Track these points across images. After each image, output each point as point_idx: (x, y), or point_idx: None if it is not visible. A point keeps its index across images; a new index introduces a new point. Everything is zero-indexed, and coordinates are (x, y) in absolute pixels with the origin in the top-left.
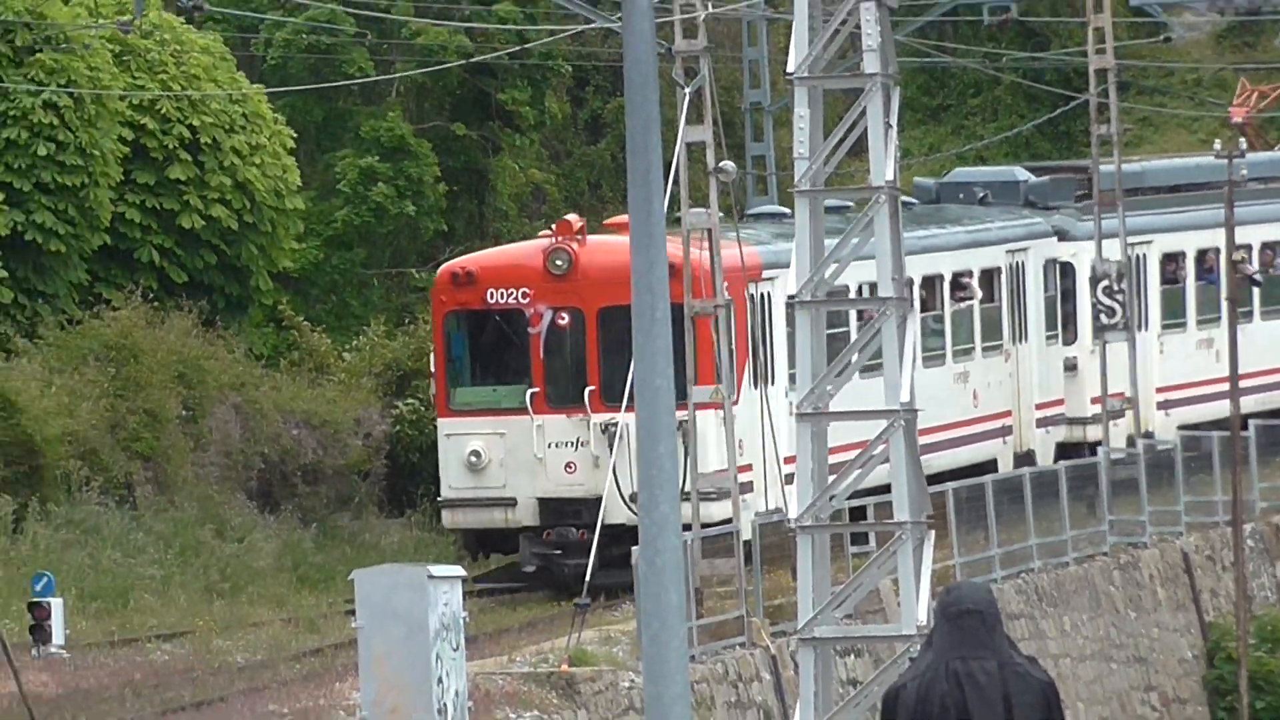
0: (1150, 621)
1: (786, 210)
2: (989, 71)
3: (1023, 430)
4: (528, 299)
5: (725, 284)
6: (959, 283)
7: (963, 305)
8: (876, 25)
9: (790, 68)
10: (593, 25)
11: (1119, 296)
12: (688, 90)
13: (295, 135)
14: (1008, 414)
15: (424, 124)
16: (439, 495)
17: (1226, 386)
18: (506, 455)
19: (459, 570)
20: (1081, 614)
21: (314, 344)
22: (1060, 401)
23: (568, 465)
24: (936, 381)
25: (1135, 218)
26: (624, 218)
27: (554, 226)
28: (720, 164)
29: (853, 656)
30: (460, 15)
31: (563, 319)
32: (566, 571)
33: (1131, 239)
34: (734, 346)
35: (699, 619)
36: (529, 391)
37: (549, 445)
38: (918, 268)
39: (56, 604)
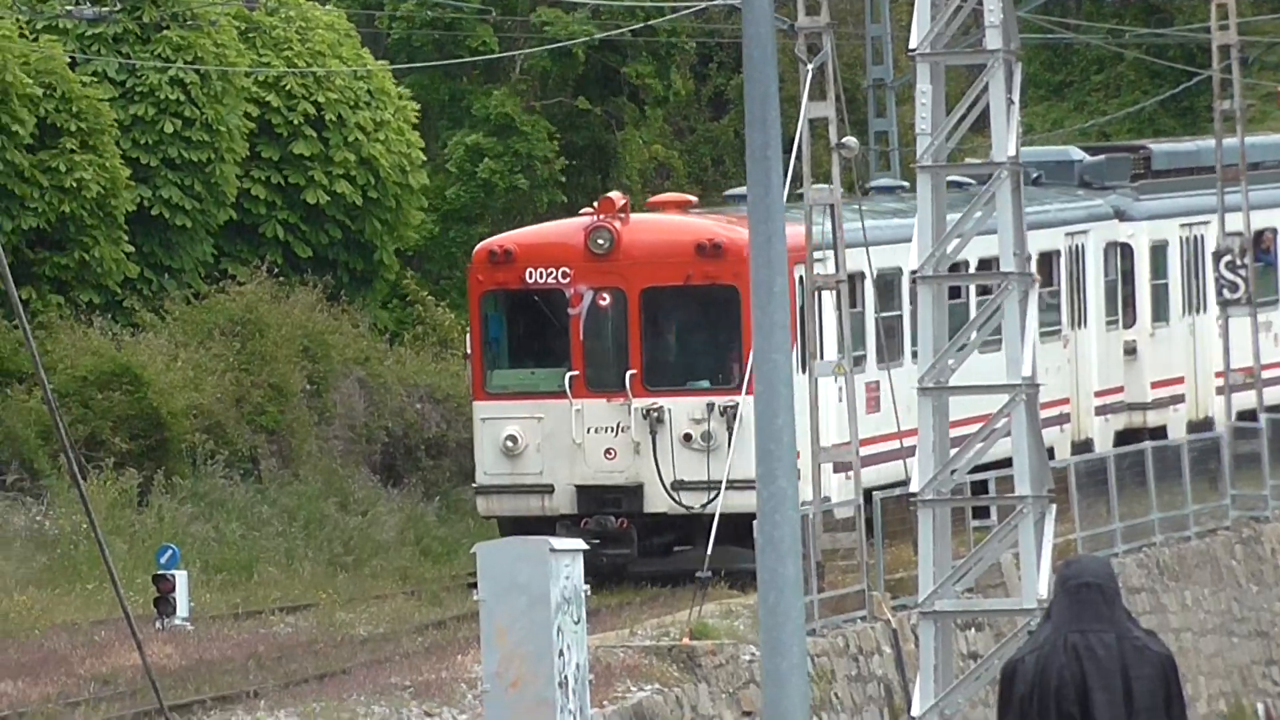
0: (1272, 596)
1: (905, 184)
2: (1112, 48)
3: (1081, 417)
4: (568, 279)
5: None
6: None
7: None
8: (999, 1)
9: (912, 44)
10: (716, 3)
11: (1241, 272)
12: (810, 66)
13: (419, 111)
14: (1065, 401)
15: (548, 99)
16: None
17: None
18: (544, 440)
19: (580, 543)
20: (1203, 588)
21: (438, 318)
22: (1120, 389)
23: (607, 451)
24: (991, 368)
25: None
26: (668, 196)
27: (596, 204)
28: (842, 140)
29: (973, 630)
30: None
31: (604, 300)
32: (604, 562)
33: (1191, 219)
34: (844, 322)
35: (820, 593)
36: (568, 375)
37: (588, 430)
38: (975, 251)
39: (181, 577)
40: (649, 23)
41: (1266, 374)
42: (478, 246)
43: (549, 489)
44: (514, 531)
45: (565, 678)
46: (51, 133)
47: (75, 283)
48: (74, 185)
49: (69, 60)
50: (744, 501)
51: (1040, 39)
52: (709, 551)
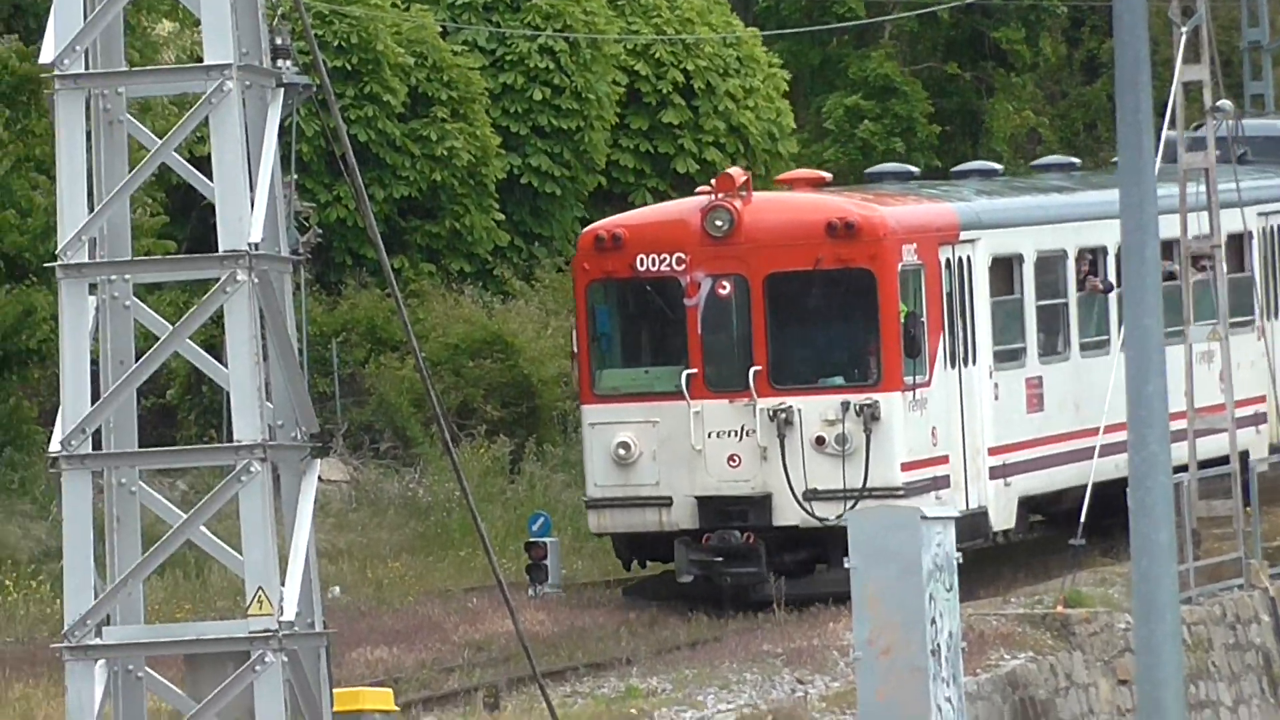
0: None
1: (1075, 160)
2: None
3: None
4: (683, 266)
5: (916, 246)
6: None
7: (1204, 274)
8: None
9: None
10: None
11: None
12: (1184, 29)
13: (790, 79)
14: (1261, 399)
15: (917, 65)
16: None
17: None
18: (660, 447)
19: (952, 510)
20: None
21: None
22: (1258, 400)
23: (731, 458)
24: (1176, 362)
25: None
26: (799, 172)
27: (714, 182)
28: (1217, 103)
29: None
30: None
31: (723, 288)
32: (729, 581)
33: None
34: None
35: (1195, 560)
36: (685, 373)
37: (709, 435)
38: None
39: (553, 544)
40: None
41: None
42: (584, 231)
43: (667, 501)
44: (629, 550)
45: (938, 645)
46: (423, 102)
47: (447, 251)
48: (445, 154)
49: (440, 30)
50: None
51: None
52: (1082, 519)
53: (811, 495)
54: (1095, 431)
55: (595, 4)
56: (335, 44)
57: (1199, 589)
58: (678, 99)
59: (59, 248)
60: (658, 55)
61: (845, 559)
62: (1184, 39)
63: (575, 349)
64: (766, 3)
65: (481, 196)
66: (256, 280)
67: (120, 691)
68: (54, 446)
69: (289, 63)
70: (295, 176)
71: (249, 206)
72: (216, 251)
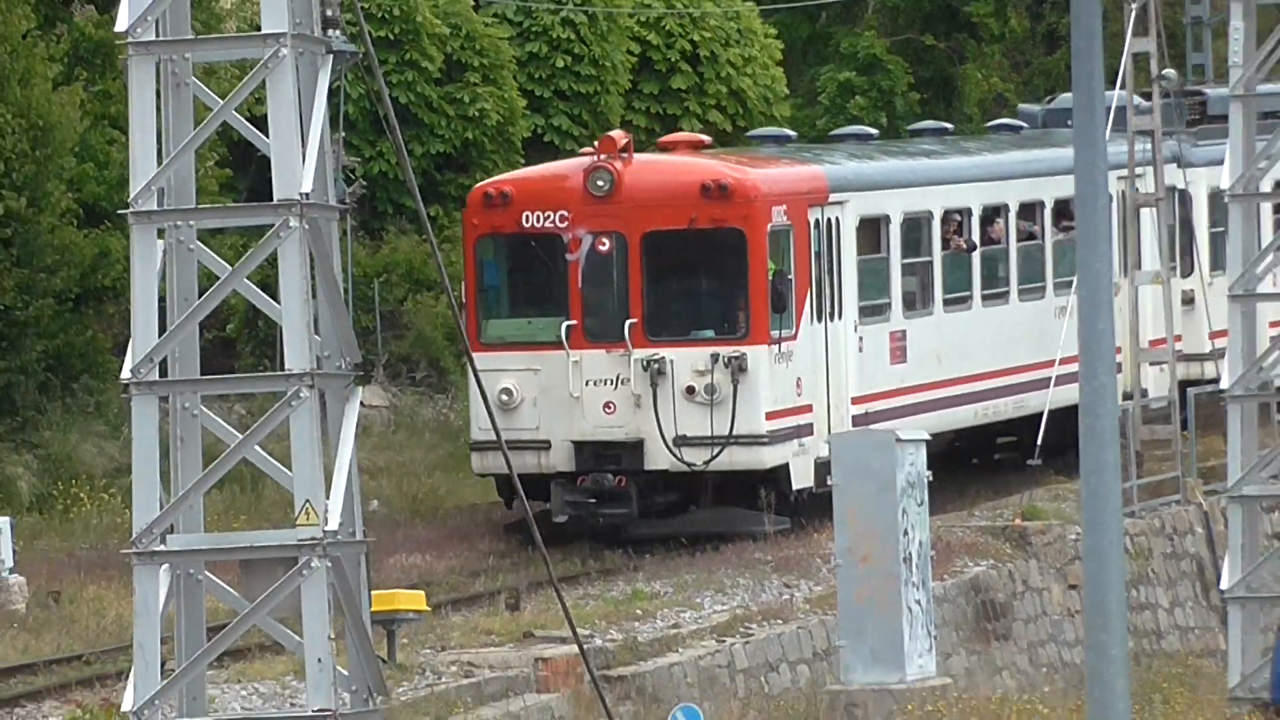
0: None
1: (947, 125)
2: None
3: (1133, 368)
4: (566, 223)
5: (786, 207)
6: (1063, 210)
7: (1066, 235)
8: None
9: None
10: None
11: None
12: (1134, 5)
13: (783, 49)
14: (1116, 350)
15: (897, 36)
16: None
17: None
18: (540, 394)
19: (924, 434)
20: None
21: None
22: (1177, 338)
23: (606, 405)
24: (1032, 317)
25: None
26: (679, 135)
27: (596, 143)
28: (1162, 72)
29: (1276, 513)
30: None
31: (603, 245)
32: (601, 522)
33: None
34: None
35: (1139, 479)
36: (565, 324)
37: (586, 383)
38: (1015, 193)
39: None
40: None
41: None
42: (473, 188)
43: (545, 445)
44: (509, 490)
45: (910, 554)
46: (457, 68)
47: None
48: (476, 114)
49: (473, 3)
50: (749, 459)
51: None
52: (1039, 442)
53: (681, 441)
54: (958, 381)
55: None
56: (379, 15)
57: (1141, 504)
58: (685, 66)
59: (131, 196)
60: (667, 27)
61: (707, 501)
62: (1133, 14)
63: (464, 299)
64: None
65: (509, 153)
66: (307, 226)
67: (182, 593)
68: (125, 374)
69: (337, 32)
70: (342, 134)
71: (301, 161)
72: (272, 201)
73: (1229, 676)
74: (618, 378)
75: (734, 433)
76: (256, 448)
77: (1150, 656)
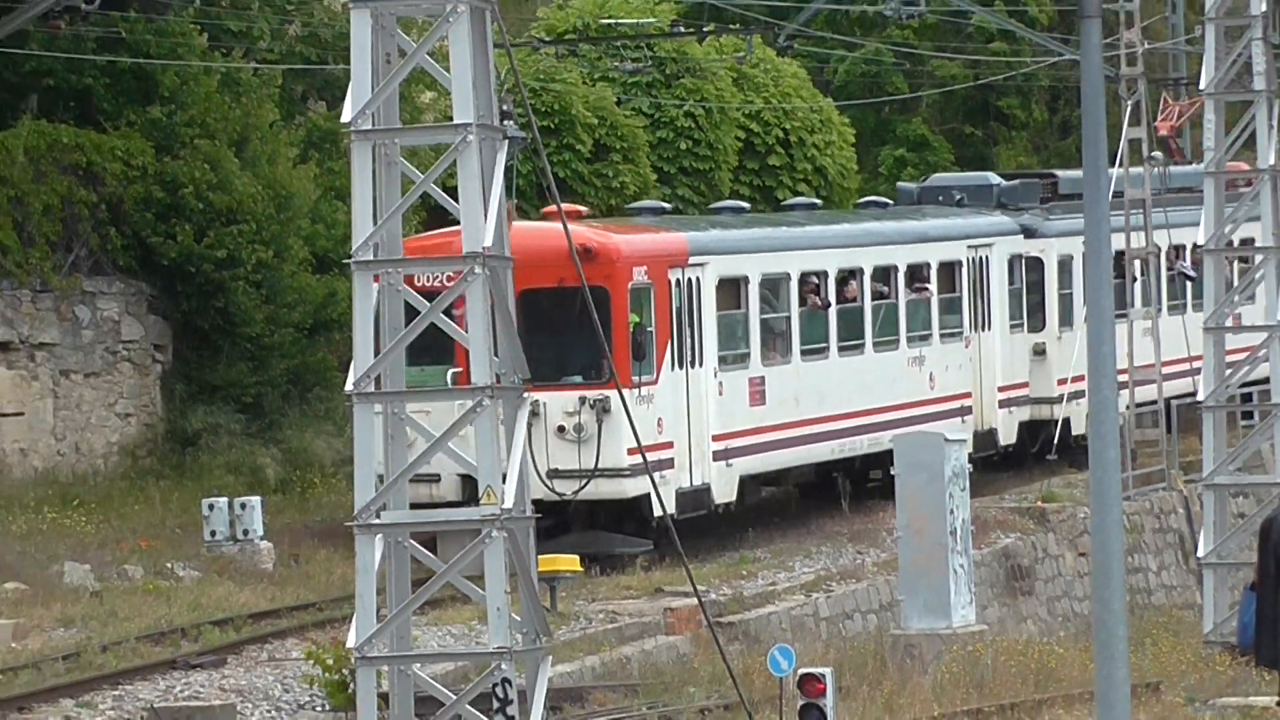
0: None
1: (817, 201)
2: None
3: (984, 409)
4: (453, 281)
5: (647, 268)
6: (915, 273)
7: (918, 295)
8: (1263, 57)
9: (1202, 85)
10: (1063, 58)
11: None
12: (1129, 101)
13: (855, 134)
14: (967, 395)
15: (944, 125)
16: None
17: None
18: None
19: (964, 434)
20: None
21: None
22: (1025, 385)
23: None
24: (886, 366)
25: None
26: (555, 207)
27: None
28: (1151, 153)
29: (1242, 498)
30: (968, 50)
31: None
32: None
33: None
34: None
35: (1133, 471)
36: (451, 371)
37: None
38: (870, 258)
39: None
40: (1014, 72)
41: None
42: None
43: (436, 478)
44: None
45: (955, 528)
46: (603, 150)
47: None
48: (618, 186)
49: (616, 99)
50: (613, 489)
51: None
52: (1055, 439)
53: (553, 474)
54: (815, 421)
55: (723, 83)
56: (542, 109)
57: (1135, 490)
58: (779, 149)
59: (353, 249)
60: (765, 118)
61: (579, 528)
62: (1129, 108)
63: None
64: (840, 82)
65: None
66: (488, 272)
67: (392, 556)
68: (348, 387)
69: (511, 122)
70: (515, 200)
71: (483, 221)
72: (461, 253)
73: (1204, 625)
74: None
75: (599, 466)
76: (450, 445)
77: (1142, 609)
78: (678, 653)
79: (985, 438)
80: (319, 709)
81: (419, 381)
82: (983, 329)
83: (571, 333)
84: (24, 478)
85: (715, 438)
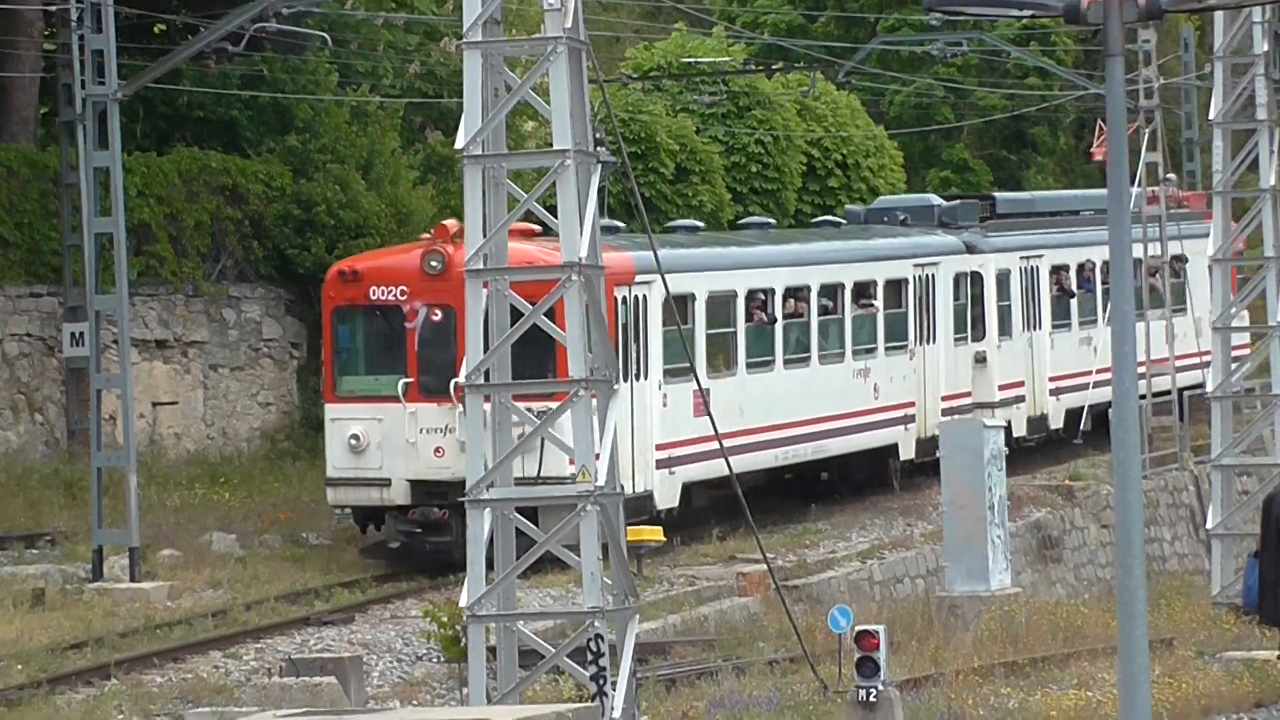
0: None
1: (771, 220)
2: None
3: (927, 417)
4: (405, 296)
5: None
6: (862, 290)
7: (864, 310)
8: (1265, 88)
9: (1211, 115)
10: (1088, 91)
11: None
12: (1146, 130)
13: (904, 158)
14: (911, 404)
15: (983, 150)
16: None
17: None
18: (383, 439)
19: (1002, 422)
20: None
21: None
22: (968, 393)
23: (436, 450)
24: (832, 378)
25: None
26: (514, 226)
27: (432, 231)
28: (1166, 176)
29: (1246, 476)
30: (1005, 85)
31: (436, 315)
32: (428, 548)
33: (1027, 252)
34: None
35: (1150, 453)
36: (403, 381)
37: (420, 431)
38: (817, 276)
39: None
40: (1045, 105)
41: (1099, 377)
42: (331, 268)
43: (387, 482)
44: (361, 520)
45: (993, 503)
46: (683, 173)
47: None
48: (697, 204)
49: (695, 129)
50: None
51: None
52: (1081, 428)
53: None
54: (759, 430)
55: (789, 114)
56: (630, 137)
57: (1152, 470)
58: (838, 171)
59: (466, 259)
60: (826, 144)
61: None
62: (1146, 135)
63: (324, 359)
64: (894, 114)
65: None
66: (583, 280)
67: (499, 528)
68: (461, 379)
69: (603, 149)
70: (606, 218)
71: (579, 235)
72: (559, 263)
73: (1212, 588)
74: (446, 427)
75: (541, 474)
76: (549, 430)
77: (1158, 575)
78: (749, 612)
79: (927, 444)
80: (435, 660)
81: (372, 389)
82: (928, 341)
83: (520, 345)
84: (178, 459)
85: (659, 446)
